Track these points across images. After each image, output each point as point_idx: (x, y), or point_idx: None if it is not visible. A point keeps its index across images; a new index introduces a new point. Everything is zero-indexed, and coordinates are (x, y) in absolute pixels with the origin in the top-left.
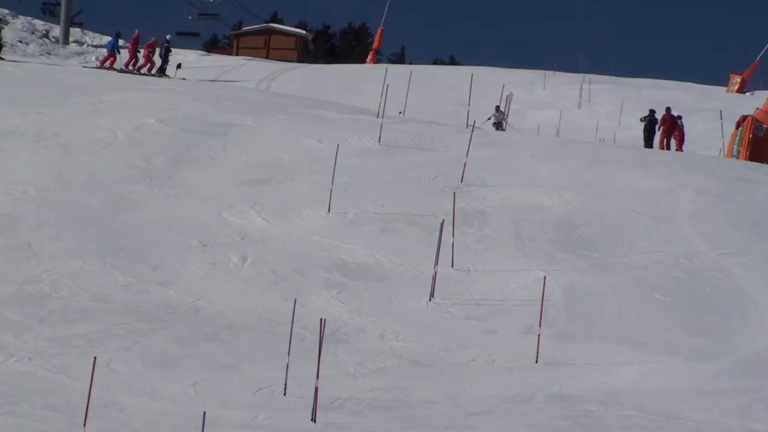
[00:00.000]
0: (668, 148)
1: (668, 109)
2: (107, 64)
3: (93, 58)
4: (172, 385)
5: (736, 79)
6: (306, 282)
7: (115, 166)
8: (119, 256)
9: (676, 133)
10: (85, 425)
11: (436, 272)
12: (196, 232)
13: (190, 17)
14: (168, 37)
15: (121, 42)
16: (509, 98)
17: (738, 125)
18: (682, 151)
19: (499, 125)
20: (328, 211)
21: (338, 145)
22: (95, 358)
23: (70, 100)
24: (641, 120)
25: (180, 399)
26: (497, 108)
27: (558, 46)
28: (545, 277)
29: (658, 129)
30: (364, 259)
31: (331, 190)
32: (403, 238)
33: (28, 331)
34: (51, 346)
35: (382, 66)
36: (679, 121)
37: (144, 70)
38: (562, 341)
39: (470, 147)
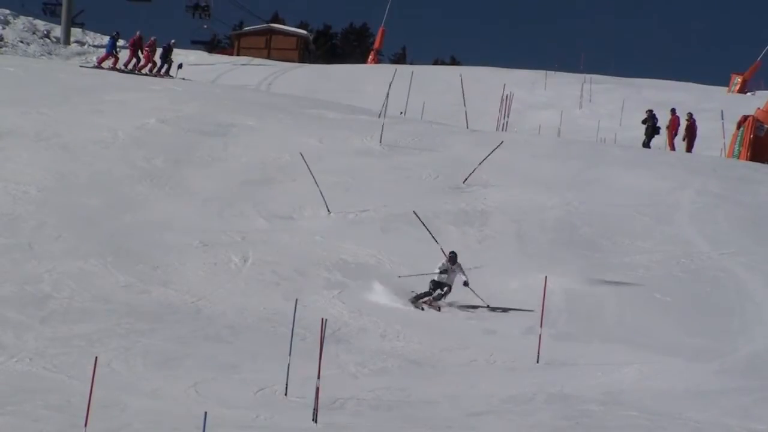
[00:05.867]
0: (673, 148)
1: (673, 111)
2: (108, 64)
3: (93, 58)
4: (173, 385)
5: (737, 79)
6: (307, 282)
7: (116, 166)
8: (120, 256)
9: (687, 132)
10: (86, 425)
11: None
12: (197, 232)
13: (205, 26)
14: (173, 41)
15: (121, 42)
16: (509, 99)
17: (739, 125)
18: (691, 151)
19: (441, 290)
20: (329, 211)
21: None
22: (96, 358)
23: (71, 101)
24: (643, 122)
25: (181, 399)
26: (452, 257)
27: (559, 46)
28: (546, 277)
29: (666, 129)
30: (365, 259)
31: (321, 191)
32: (403, 238)
33: (29, 331)
34: (52, 346)
35: (383, 66)
36: (691, 120)
37: (145, 71)
38: (563, 341)
39: (467, 148)
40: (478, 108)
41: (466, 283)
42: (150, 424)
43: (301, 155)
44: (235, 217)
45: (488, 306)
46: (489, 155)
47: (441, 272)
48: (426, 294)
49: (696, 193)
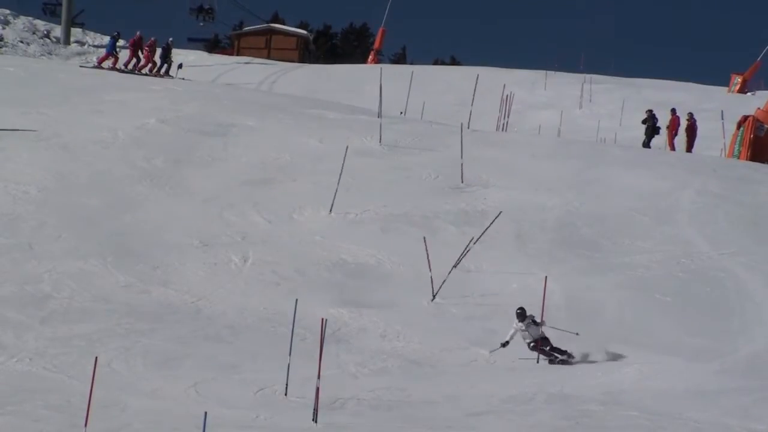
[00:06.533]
0: (673, 148)
1: (673, 111)
2: (107, 64)
3: (93, 58)
4: (174, 385)
5: (737, 79)
6: (307, 282)
7: (116, 166)
8: (120, 257)
9: (688, 132)
10: (86, 425)
11: (450, 273)
12: (197, 232)
13: (202, 24)
14: (171, 40)
15: (121, 42)
16: (509, 99)
17: (739, 125)
18: (691, 151)
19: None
20: (330, 211)
21: (347, 147)
22: (96, 358)
23: (71, 101)
24: (643, 122)
25: (181, 399)
26: (520, 314)
27: (559, 46)
28: (546, 277)
29: (666, 129)
30: (365, 259)
31: (336, 190)
32: (404, 238)
33: (29, 331)
34: (52, 346)
35: (384, 66)
36: (692, 120)
37: (145, 71)
38: (563, 341)
39: (468, 148)
40: (478, 108)
41: (542, 323)
42: (150, 424)
43: (346, 148)
44: (235, 217)
45: (577, 333)
46: (462, 145)
47: (523, 331)
48: (548, 356)
49: (696, 193)
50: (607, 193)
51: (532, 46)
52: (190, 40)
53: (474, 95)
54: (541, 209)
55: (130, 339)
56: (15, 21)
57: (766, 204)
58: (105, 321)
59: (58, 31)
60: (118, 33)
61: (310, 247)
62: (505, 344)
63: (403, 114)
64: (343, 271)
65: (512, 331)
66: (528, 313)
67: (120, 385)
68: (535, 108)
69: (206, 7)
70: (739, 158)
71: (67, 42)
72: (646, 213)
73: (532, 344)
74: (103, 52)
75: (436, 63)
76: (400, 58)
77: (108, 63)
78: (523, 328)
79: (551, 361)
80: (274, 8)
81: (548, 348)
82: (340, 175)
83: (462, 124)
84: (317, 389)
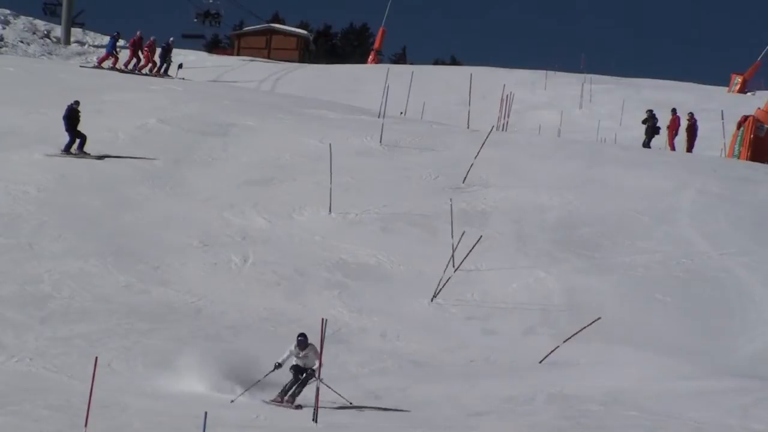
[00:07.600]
0: (673, 148)
1: (674, 111)
2: (107, 64)
3: (93, 58)
4: (174, 385)
5: (738, 79)
6: (307, 282)
7: (116, 166)
8: (120, 256)
9: (688, 132)
10: (86, 425)
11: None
12: (197, 232)
13: (195, 20)
14: (171, 39)
15: (121, 42)
16: (509, 99)
17: (739, 125)
18: (691, 151)
19: (300, 376)
20: (330, 211)
21: (331, 144)
22: (96, 358)
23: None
24: (643, 122)
25: (181, 399)
26: (301, 342)
27: (559, 46)
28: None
29: (667, 129)
30: (365, 259)
31: (331, 190)
32: (404, 238)
33: (29, 332)
34: (52, 346)
35: (384, 66)
36: (692, 120)
37: (145, 71)
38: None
39: (468, 148)
40: (478, 108)
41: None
42: (150, 424)
43: (330, 145)
44: (235, 216)
45: (351, 403)
46: (480, 150)
47: (298, 358)
48: (286, 388)
49: (696, 193)
50: (607, 193)
51: (532, 46)
52: (185, 36)
53: (470, 94)
54: (541, 209)
55: (130, 339)
56: (15, 21)
57: (766, 204)
58: (105, 321)
59: (58, 31)
60: (118, 33)
61: (310, 247)
62: (277, 366)
63: (403, 114)
64: (343, 271)
65: (287, 354)
66: (309, 343)
67: (120, 385)
68: (535, 108)
69: (212, 12)
70: (739, 158)
71: (67, 42)
72: (646, 213)
73: (302, 371)
74: (103, 52)
75: (436, 63)
76: (400, 58)
77: (108, 63)
78: (300, 355)
79: (281, 398)
80: (274, 8)
81: (298, 384)
82: (331, 173)
83: (466, 124)
84: (317, 389)
